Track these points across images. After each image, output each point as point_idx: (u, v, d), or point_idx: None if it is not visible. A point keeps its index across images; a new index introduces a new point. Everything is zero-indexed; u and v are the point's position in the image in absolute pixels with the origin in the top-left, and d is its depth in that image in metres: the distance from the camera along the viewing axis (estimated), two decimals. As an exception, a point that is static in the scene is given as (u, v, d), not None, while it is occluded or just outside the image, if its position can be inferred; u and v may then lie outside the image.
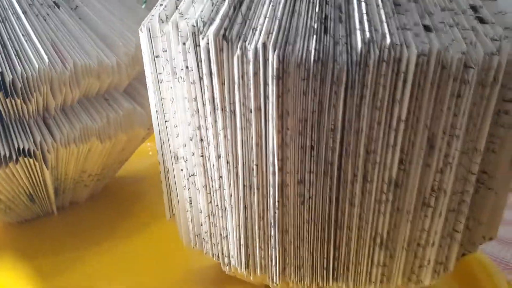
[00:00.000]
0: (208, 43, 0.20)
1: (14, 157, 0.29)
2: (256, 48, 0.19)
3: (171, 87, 0.24)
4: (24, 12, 0.30)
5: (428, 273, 0.22)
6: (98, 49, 0.31)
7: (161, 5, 0.24)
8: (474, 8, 0.20)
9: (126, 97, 0.35)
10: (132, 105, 0.34)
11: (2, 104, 0.28)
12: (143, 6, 0.50)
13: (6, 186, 0.31)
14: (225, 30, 0.20)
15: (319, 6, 0.19)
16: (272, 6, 0.20)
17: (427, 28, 0.19)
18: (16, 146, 0.29)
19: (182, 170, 0.25)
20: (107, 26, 0.33)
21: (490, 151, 0.22)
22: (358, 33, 0.18)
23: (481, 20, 0.20)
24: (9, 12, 0.29)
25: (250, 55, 0.19)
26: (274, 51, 0.19)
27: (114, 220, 0.38)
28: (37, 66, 0.28)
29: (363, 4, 0.19)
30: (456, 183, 0.21)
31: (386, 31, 0.18)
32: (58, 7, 0.31)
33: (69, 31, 0.31)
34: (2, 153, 0.29)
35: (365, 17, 0.19)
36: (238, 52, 0.19)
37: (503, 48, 0.19)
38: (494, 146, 0.22)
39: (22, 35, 0.29)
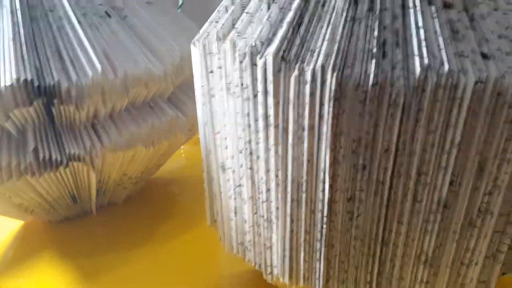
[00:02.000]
0: (265, 63, 0.21)
1: (65, 162, 0.30)
2: (314, 69, 0.20)
3: (224, 102, 0.24)
4: (79, 22, 0.31)
5: (471, 291, 0.23)
6: (146, 58, 0.32)
7: (216, 22, 0.25)
8: (529, 36, 0.20)
9: (169, 105, 0.36)
10: (175, 113, 0.35)
11: (56, 111, 0.30)
12: (178, 10, 0.51)
13: (54, 188, 0.33)
14: (284, 51, 0.21)
15: (377, 30, 0.20)
16: (331, 29, 0.20)
17: (484, 56, 0.19)
18: (67, 151, 0.30)
19: (228, 180, 0.26)
20: (154, 35, 0.34)
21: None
22: (416, 58, 0.19)
23: (537, 48, 0.20)
24: (65, 21, 0.31)
25: (308, 76, 0.20)
26: (333, 73, 0.19)
27: (152, 223, 0.39)
28: (90, 75, 0.29)
29: (421, 30, 0.19)
30: (504, 205, 0.21)
31: (444, 57, 0.19)
32: (110, 17, 0.33)
33: (119, 40, 0.32)
34: (54, 157, 0.30)
35: (423, 43, 0.19)
36: (296, 72, 0.20)
37: (558, 76, 0.19)
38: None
39: (77, 44, 0.30)
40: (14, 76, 0.27)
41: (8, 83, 0.27)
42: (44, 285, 0.33)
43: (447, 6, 0.20)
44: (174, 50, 0.35)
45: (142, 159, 0.35)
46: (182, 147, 0.54)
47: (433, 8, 0.20)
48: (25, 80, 0.28)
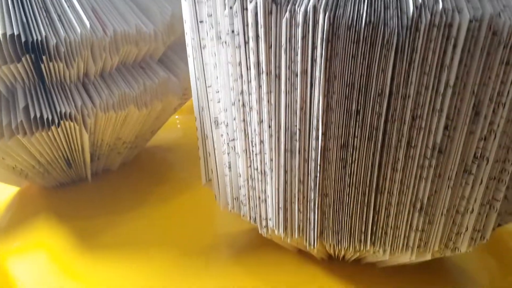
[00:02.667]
0: (256, 6, 0.20)
1: (56, 121, 0.30)
2: (306, 10, 0.19)
3: (215, 53, 0.24)
4: (66, -22, 0.30)
5: (465, 240, 0.23)
6: (136, 17, 0.32)
7: (205, -32, 0.24)
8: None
9: (161, 66, 0.35)
10: (167, 74, 0.35)
11: (45, 68, 0.29)
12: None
13: (46, 149, 0.32)
14: (275, -7, 0.20)
15: (370, -31, 0.19)
16: (323, -31, 0.20)
17: (479, -7, 0.19)
18: (58, 110, 0.30)
19: (222, 135, 0.26)
20: (144, -6, 0.33)
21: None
22: (410, -4, 0.18)
23: (535, -14, 0.19)
24: (51, -22, 0.30)
25: (300, 17, 0.19)
26: (325, 13, 0.19)
27: (147, 187, 0.39)
28: (79, 31, 0.29)
29: (415, -32, 0.19)
30: (499, 151, 0.21)
31: (439, -5, 0.18)
32: (98, -26, 0.32)
33: (109, -2, 0.31)
34: (45, 116, 0.29)
35: (417, -20, 0.19)
36: (287, 14, 0.20)
37: (557, 14, 0.19)
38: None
39: (65, 1, 0.29)
40: (0, 31, 0.27)
41: (-6, 39, 0.27)
42: (40, 247, 0.33)
43: None
44: (165, 8, 0.34)
45: (135, 121, 0.35)
46: (177, 117, 0.54)
47: None
48: (12, 35, 0.27)
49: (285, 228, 0.24)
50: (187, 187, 0.38)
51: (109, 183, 0.40)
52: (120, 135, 0.36)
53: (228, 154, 0.26)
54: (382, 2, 0.19)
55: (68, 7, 0.29)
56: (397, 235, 0.23)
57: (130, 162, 0.43)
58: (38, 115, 0.29)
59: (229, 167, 0.26)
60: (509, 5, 0.19)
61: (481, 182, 0.21)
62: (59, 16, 0.29)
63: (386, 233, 0.23)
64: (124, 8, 0.32)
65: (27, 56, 0.28)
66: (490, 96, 0.20)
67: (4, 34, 0.27)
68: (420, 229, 0.22)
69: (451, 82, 0.19)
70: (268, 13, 0.20)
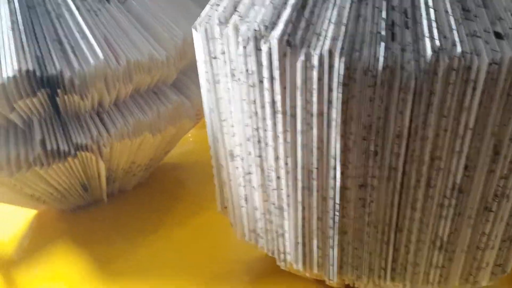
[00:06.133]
0: (270, 48, 0.20)
1: (73, 152, 0.30)
2: (321, 54, 0.19)
3: (229, 88, 0.24)
4: (77, 8, 0.30)
5: (486, 274, 0.23)
6: (148, 44, 0.32)
7: (217, 5, 0.24)
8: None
9: (174, 90, 0.35)
10: (180, 98, 0.35)
11: (60, 101, 0.29)
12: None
13: (64, 178, 0.33)
14: (289, 35, 0.20)
15: (385, 11, 0.19)
16: (337, 11, 0.19)
17: (497, 35, 0.18)
18: (75, 141, 0.30)
19: (237, 168, 0.26)
20: (155, 19, 0.33)
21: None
22: (427, 40, 0.18)
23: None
24: (63, 8, 0.30)
25: (315, 61, 0.19)
26: (341, 57, 0.19)
27: (163, 207, 0.39)
28: (93, 63, 0.29)
29: (431, 10, 0.18)
30: (520, 188, 0.21)
31: (456, 38, 0.18)
32: (108, 1, 0.32)
33: (120, 26, 0.31)
34: (62, 148, 0.30)
35: (434, 23, 0.18)
36: (302, 57, 0.19)
37: None
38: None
39: (78, 31, 0.29)
40: (16, 67, 0.27)
41: (10, 74, 0.27)
42: (59, 274, 0.33)
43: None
44: (176, 34, 0.34)
45: (149, 146, 0.35)
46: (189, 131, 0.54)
47: (444, -15, 0.19)
48: (27, 71, 0.27)
49: (304, 263, 0.24)
50: (202, 207, 0.39)
51: (124, 204, 0.41)
52: (135, 160, 0.36)
53: (244, 187, 0.26)
54: (399, 45, 0.19)
55: (81, 38, 0.29)
56: (417, 272, 0.23)
57: (144, 181, 0.43)
58: (55, 147, 0.29)
59: (246, 200, 0.26)
60: (530, 45, 0.18)
61: (502, 219, 0.21)
62: (72, 47, 0.29)
63: (406, 269, 0.23)
64: (136, 36, 0.32)
65: (43, 90, 0.28)
66: (510, 136, 0.19)
67: (20, 70, 0.27)
68: (440, 265, 0.22)
69: (471, 124, 0.19)
70: (282, 55, 0.20)
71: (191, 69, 0.37)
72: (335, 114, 0.20)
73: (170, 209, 0.39)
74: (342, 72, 0.19)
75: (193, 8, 0.39)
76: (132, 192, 0.42)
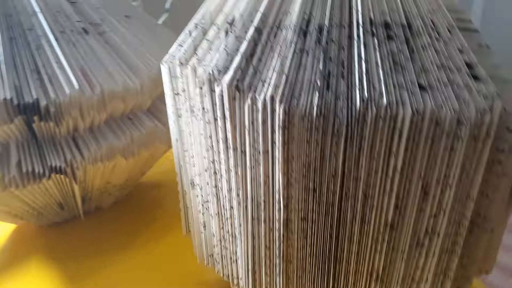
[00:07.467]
0: (222, 91, 0.22)
1: (47, 174, 0.32)
2: (265, 100, 0.21)
3: (189, 122, 0.26)
4: (56, 40, 0.32)
5: (421, 305, 0.24)
6: (123, 73, 0.34)
7: (181, 46, 0.26)
8: (469, 65, 0.21)
9: (149, 116, 0.37)
10: (154, 123, 0.37)
11: (37, 126, 0.31)
12: (163, 19, 0.52)
13: (39, 197, 0.34)
14: (237, 81, 0.22)
15: (323, 62, 0.21)
16: (281, 60, 0.21)
17: (421, 87, 0.20)
18: (49, 164, 0.32)
19: (197, 196, 0.28)
20: (131, 50, 0.35)
21: (484, 196, 0.23)
22: (357, 90, 0.20)
23: (476, 78, 0.21)
24: (43, 40, 0.32)
25: (260, 105, 0.21)
26: (281, 104, 0.20)
27: (136, 226, 0.41)
28: (68, 92, 0.31)
29: (363, 62, 0.20)
30: (450, 226, 0.22)
31: (383, 90, 0.20)
32: (87, 33, 0.34)
33: (97, 56, 0.33)
34: (37, 170, 0.31)
35: (364, 75, 0.20)
36: (249, 101, 0.21)
37: (495, 106, 0.20)
38: (488, 192, 0.23)
39: (55, 62, 0.31)
40: (-6, 96, 0.29)
41: (-12, 102, 0.29)
42: (30, 286, 0.35)
43: (389, 37, 0.21)
44: (151, 63, 0.36)
45: (123, 169, 0.36)
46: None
47: (375, 40, 0.21)
48: (5, 99, 0.29)
49: (254, 288, 0.26)
50: (174, 226, 0.40)
51: (101, 221, 0.42)
52: (110, 180, 0.38)
53: (203, 214, 0.27)
54: (333, 94, 0.20)
55: (58, 68, 0.31)
56: (356, 300, 0.24)
57: (121, 199, 0.45)
58: (30, 169, 0.31)
59: (204, 226, 0.28)
60: (451, 97, 0.20)
61: (434, 254, 0.23)
62: (49, 77, 0.31)
63: (346, 297, 0.24)
64: (112, 66, 0.33)
65: (19, 117, 0.30)
66: (437, 178, 0.21)
67: (-3, 99, 0.29)
68: (377, 295, 0.24)
69: (399, 167, 0.21)
70: (232, 98, 0.22)
71: (166, 96, 0.39)
72: (278, 153, 0.22)
73: (142, 228, 0.41)
74: (281, 117, 0.20)
75: (172, 38, 0.41)
76: (109, 210, 0.44)
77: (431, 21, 0.22)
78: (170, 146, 0.41)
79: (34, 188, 0.33)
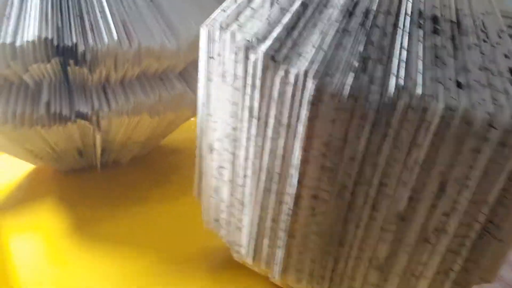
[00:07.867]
0: (256, 60, 0.22)
1: (73, 118, 0.33)
2: (298, 73, 0.21)
3: (218, 87, 0.26)
4: (103, -11, 0.33)
5: (417, 302, 0.24)
6: (163, 33, 0.34)
7: (224, 11, 0.26)
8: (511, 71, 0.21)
9: (180, 79, 0.38)
10: (184, 88, 0.37)
11: (71, 70, 0.32)
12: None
13: (62, 141, 0.35)
14: (274, 51, 0.22)
15: (364, 45, 0.21)
16: (321, 37, 0.21)
17: (459, 85, 0.20)
18: (77, 109, 0.32)
19: (213, 161, 0.28)
20: (175, 12, 0.36)
21: (500, 204, 0.23)
22: (393, 77, 0.20)
23: (515, 84, 0.21)
24: (91, -13, 0.33)
25: (292, 78, 0.21)
26: (314, 79, 0.20)
27: (151, 186, 0.42)
28: (106, 41, 0.31)
29: (404, 52, 0.20)
30: (460, 228, 0.22)
31: (419, 81, 0.20)
32: (134, -13, 0.34)
33: (140, 12, 0.34)
34: (64, 113, 0.32)
35: (403, 64, 0.20)
36: (282, 73, 0.21)
37: (528, 115, 0.20)
38: (505, 201, 0.23)
39: (99, 11, 0.32)
40: (37, 34, 0.30)
41: (30, 39, 0.30)
42: (41, 226, 0.36)
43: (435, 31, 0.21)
44: (191, 27, 0.36)
45: (147, 126, 0.37)
46: (192, 119, 0.56)
47: (421, 31, 0.21)
48: (46, 38, 0.30)
49: (254, 258, 0.26)
50: (185, 195, 0.41)
51: (116, 174, 0.43)
52: (131, 136, 0.39)
53: (216, 179, 0.28)
54: (369, 78, 0.20)
55: (101, 17, 0.32)
56: (353, 286, 0.24)
57: (140, 158, 0.46)
58: (58, 111, 0.32)
59: (215, 191, 0.28)
60: (486, 99, 0.20)
61: (439, 252, 0.23)
62: (91, 24, 0.32)
63: (343, 281, 0.24)
64: (153, 24, 0.34)
65: (57, 58, 0.31)
66: (456, 177, 0.21)
67: (40, 37, 0.30)
68: (375, 284, 0.24)
69: (420, 160, 0.21)
70: (265, 68, 0.22)
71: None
72: (301, 128, 0.22)
73: (157, 187, 0.42)
74: (312, 92, 0.21)
75: (214, 6, 0.41)
76: (125, 165, 0.44)
77: (482, 22, 0.22)
78: (194, 113, 0.41)
79: (59, 130, 0.34)
